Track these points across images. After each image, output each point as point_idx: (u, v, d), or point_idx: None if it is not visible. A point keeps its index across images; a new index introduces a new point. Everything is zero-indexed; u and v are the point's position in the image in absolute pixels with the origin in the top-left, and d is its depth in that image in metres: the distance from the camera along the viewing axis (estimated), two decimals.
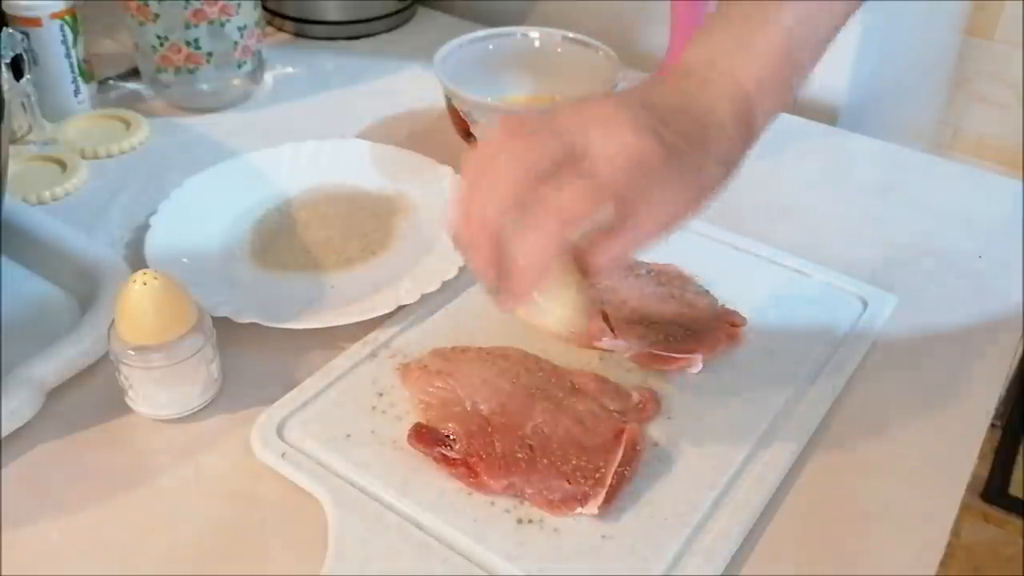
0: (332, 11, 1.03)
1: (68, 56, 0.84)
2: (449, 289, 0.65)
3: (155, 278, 0.53)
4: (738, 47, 0.50)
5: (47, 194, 0.76)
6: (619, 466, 0.51)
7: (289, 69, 0.98)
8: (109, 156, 0.82)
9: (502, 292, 0.46)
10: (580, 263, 0.47)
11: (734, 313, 0.62)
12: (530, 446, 0.52)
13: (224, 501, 0.52)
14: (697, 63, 0.51)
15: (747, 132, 0.50)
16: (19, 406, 0.55)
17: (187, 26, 0.83)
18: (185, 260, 0.67)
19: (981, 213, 0.77)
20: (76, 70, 0.85)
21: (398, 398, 0.57)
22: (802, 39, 0.51)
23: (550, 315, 0.48)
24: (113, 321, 0.54)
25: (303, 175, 0.77)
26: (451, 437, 0.52)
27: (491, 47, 0.84)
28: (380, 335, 0.61)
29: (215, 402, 0.58)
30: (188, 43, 0.84)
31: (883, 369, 0.62)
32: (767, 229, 0.73)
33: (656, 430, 0.55)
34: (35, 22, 0.81)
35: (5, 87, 0.64)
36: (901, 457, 0.56)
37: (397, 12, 1.06)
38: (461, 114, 0.78)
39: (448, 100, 0.80)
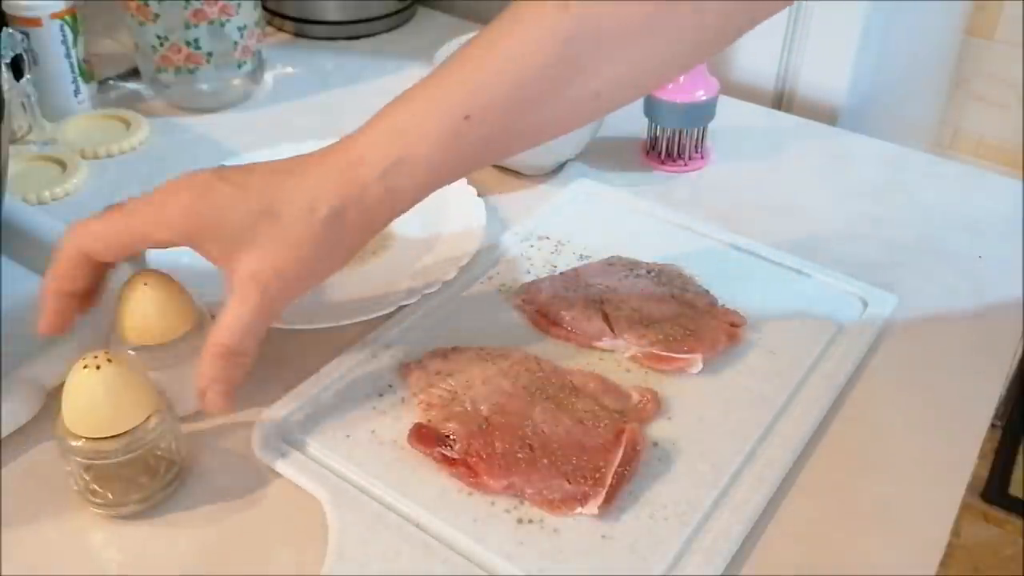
0: (332, 11, 1.03)
1: (68, 56, 0.84)
2: (449, 289, 0.65)
3: (156, 277, 0.52)
4: (391, 138, 0.49)
5: (47, 194, 0.76)
6: (619, 466, 0.51)
7: (289, 69, 0.98)
8: (109, 156, 0.82)
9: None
10: None
11: (734, 313, 0.62)
12: (530, 446, 0.52)
13: (224, 501, 0.52)
14: (340, 147, 0.50)
15: (339, 230, 0.49)
16: (19, 406, 0.55)
17: (187, 26, 0.83)
18: (185, 260, 0.67)
19: (981, 213, 0.77)
20: (76, 70, 0.85)
21: (398, 398, 0.57)
22: (475, 126, 0.49)
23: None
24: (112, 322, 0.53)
25: None
26: (451, 437, 0.52)
27: None
28: (380, 335, 0.61)
29: None
30: (188, 43, 0.84)
31: (883, 369, 0.62)
32: (767, 229, 0.73)
33: (656, 430, 0.55)
34: (35, 22, 0.81)
35: (5, 87, 0.64)
36: (901, 457, 0.56)
37: (397, 12, 1.06)
38: None
39: None
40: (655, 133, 0.82)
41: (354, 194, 0.49)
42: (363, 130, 0.50)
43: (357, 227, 0.50)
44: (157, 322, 0.53)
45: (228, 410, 0.51)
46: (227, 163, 0.77)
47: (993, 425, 1.41)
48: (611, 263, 0.67)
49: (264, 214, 0.48)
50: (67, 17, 0.83)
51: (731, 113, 0.86)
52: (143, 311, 0.53)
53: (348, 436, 0.54)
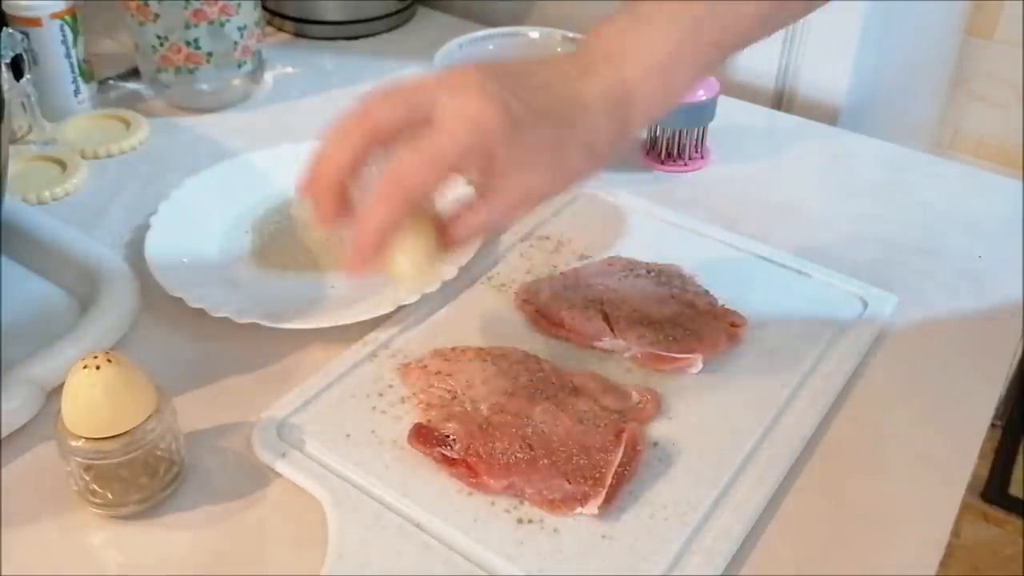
0: (332, 11, 1.03)
1: (68, 56, 0.84)
2: (449, 289, 0.65)
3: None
4: (632, 44, 0.50)
5: (47, 194, 0.76)
6: (619, 466, 0.51)
7: (289, 69, 0.98)
8: (109, 156, 0.82)
9: (350, 251, 0.47)
10: (442, 232, 0.49)
11: (734, 313, 0.62)
12: (530, 446, 0.52)
13: (224, 501, 0.52)
14: (588, 50, 0.51)
15: (619, 126, 0.50)
16: (19, 406, 0.55)
17: (187, 26, 0.83)
18: (185, 260, 0.67)
19: (981, 213, 0.77)
20: (76, 70, 0.85)
21: (398, 398, 0.57)
22: (701, 44, 0.50)
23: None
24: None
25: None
26: (451, 437, 0.52)
27: (491, 47, 0.84)
28: (380, 335, 0.61)
29: (215, 402, 0.58)
30: (188, 43, 0.84)
31: (883, 369, 0.62)
32: (767, 229, 0.73)
33: (656, 430, 0.55)
34: (35, 22, 0.81)
35: (5, 87, 0.64)
36: (901, 457, 0.56)
37: (397, 12, 1.06)
38: None
39: None
40: (655, 133, 0.82)
41: (624, 135, 0.51)
42: (630, 63, 0.50)
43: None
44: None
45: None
46: (227, 163, 0.77)
47: (993, 425, 1.41)
48: (611, 263, 0.67)
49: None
50: (67, 17, 0.83)
51: (731, 113, 0.86)
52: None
53: (348, 436, 0.54)
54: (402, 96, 0.46)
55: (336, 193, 0.47)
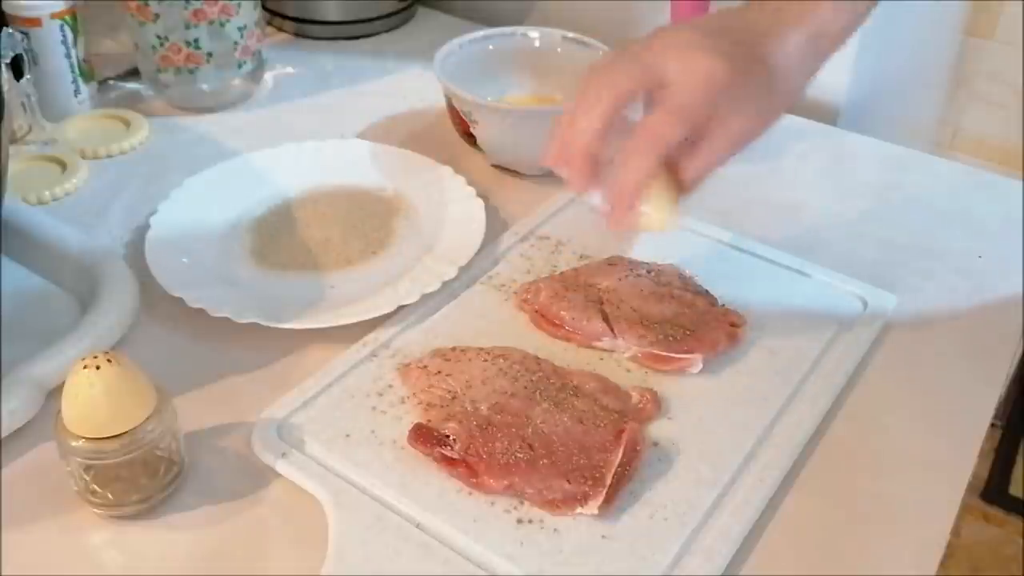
0: (332, 11, 1.03)
1: (68, 56, 0.84)
2: (449, 289, 0.65)
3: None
4: None
5: (47, 194, 0.76)
6: (619, 466, 0.51)
7: (289, 69, 0.98)
8: (109, 156, 0.82)
9: (607, 208, 0.54)
10: (671, 173, 0.54)
11: (734, 313, 0.62)
12: (530, 446, 0.52)
13: (224, 501, 0.52)
14: None
15: (813, 62, 0.55)
16: (19, 406, 0.55)
17: (187, 26, 0.83)
18: (185, 260, 0.67)
19: (981, 213, 0.77)
20: (76, 70, 0.85)
21: (398, 398, 0.57)
22: None
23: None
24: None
25: (303, 175, 0.77)
26: (451, 437, 0.52)
27: (491, 47, 0.84)
28: (380, 335, 0.61)
29: (215, 402, 0.58)
30: (188, 43, 0.84)
31: (883, 369, 0.62)
32: (767, 229, 0.73)
33: (656, 430, 0.55)
34: (35, 22, 0.81)
35: (5, 87, 0.64)
36: (901, 457, 0.56)
37: (397, 12, 1.06)
38: (461, 114, 0.78)
39: (448, 100, 0.80)
40: None
41: (816, 71, 0.56)
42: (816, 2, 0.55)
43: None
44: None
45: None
46: (227, 163, 0.77)
47: (993, 425, 1.41)
48: (611, 263, 0.67)
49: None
50: (67, 17, 0.83)
51: None
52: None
53: (348, 436, 0.54)
54: (635, 62, 0.52)
55: (591, 159, 0.52)
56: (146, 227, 0.69)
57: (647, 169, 0.51)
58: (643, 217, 0.54)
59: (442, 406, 0.55)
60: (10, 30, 0.77)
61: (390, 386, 0.58)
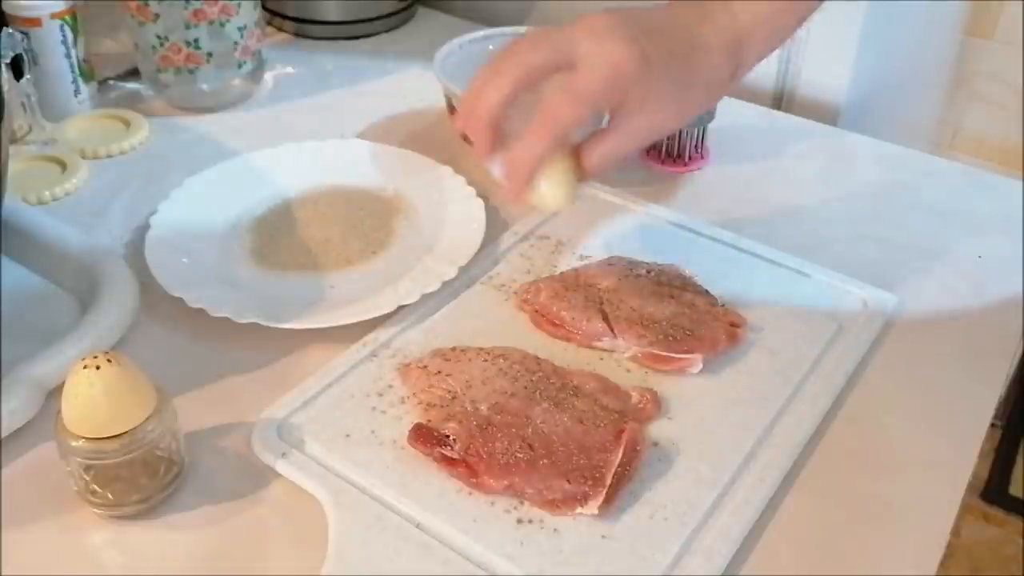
0: (332, 11, 1.03)
1: (68, 56, 0.84)
2: (449, 289, 0.65)
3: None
4: None
5: (47, 194, 0.76)
6: (619, 466, 0.51)
7: (289, 69, 0.98)
8: (109, 156, 0.82)
9: (504, 180, 0.54)
10: (578, 157, 0.55)
11: (734, 313, 0.62)
12: (530, 446, 0.52)
13: (224, 501, 0.52)
14: None
15: (734, 67, 0.56)
16: (19, 406, 0.55)
17: (187, 26, 0.83)
18: (185, 260, 0.67)
19: (981, 213, 0.77)
20: (76, 70, 0.85)
21: (398, 398, 0.57)
22: None
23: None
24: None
25: (303, 175, 0.77)
26: (451, 437, 0.52)
27: (491, 47, 0.84)
28: (380, 335, 0.61)
29: (215, 402, 0.58)
30: (188, 43, 0.84)
31: (883, 369, 0.62)
32: (767, 229, 0.73)
33: (656, 430, 0.55)
34: (35, 22, 0.81)
35: (5, 87, 0.64)
36: (901, 457, 0.56)
37: (397, 12, 1.06)
38: None
39: (448, 100, 0.80)
40: None
41: (737, 75, 0.57)
42: (743, 11, 0.56)
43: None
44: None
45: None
46: (227, 163, 0.77)
47: (993, 425, 1.41)
48: (611, 263, 0.67)
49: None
50: (67, 17, 0.83)
51: (731, 113, 0.86)
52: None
53: (348, 436, 0.54)
54: (549, 41, 0.52)
55: (493, 129, 0.53)
56: (146, 227, 0.69)
57: (542, 148, 0.52)
58: (537, 194, 0.55)
59: (442, 406, 0.55)
60: (10, 30, 0.77)
61: (390, 386, 0.58)
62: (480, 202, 0.73)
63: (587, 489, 0.50)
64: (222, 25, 0.84)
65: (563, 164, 0.54)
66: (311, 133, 0.83)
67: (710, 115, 0.80)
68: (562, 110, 0.51)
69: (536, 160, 0.53)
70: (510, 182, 0.54)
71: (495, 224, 0.73)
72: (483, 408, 0.54)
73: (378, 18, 1.05)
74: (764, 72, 0.96)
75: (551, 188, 0.54)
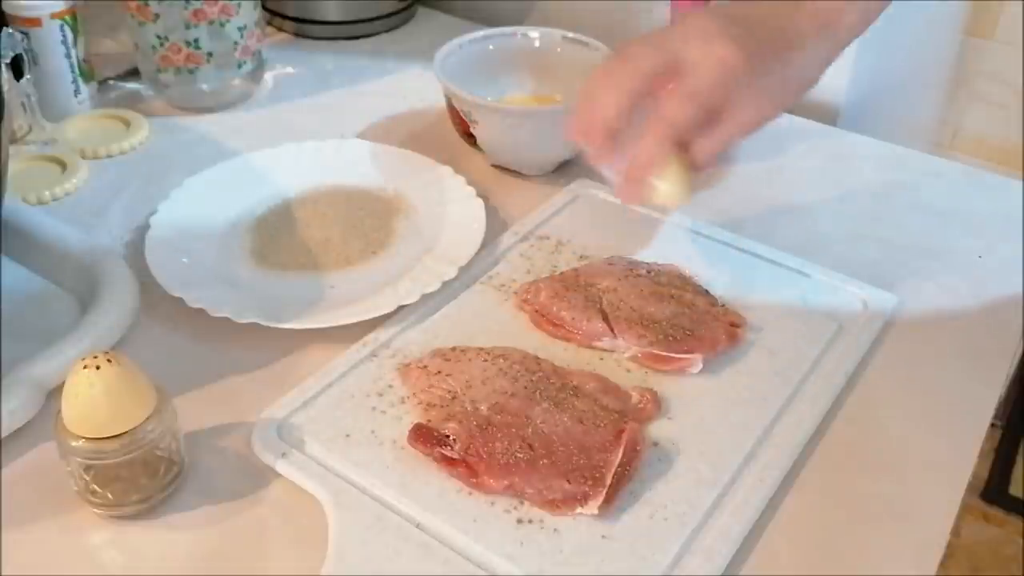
0: (332, 11, 1.03)
1: (68, 56, 0.84)
2: (449, 289, 0.65)
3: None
4: None
5: (47, 194, 0.76)
6: (619, 466, 0.51)
7: (289, 69, 0.98)
8: (109, 156, 0.82)
9: (621, 183, 0.57)
10: (685, 151, 0.57)
11: (734, 313, 0.63)
12: (530, 446, 0.52)
13: (224, 501, 0.52)
14: None
15: (829, 51, 0.58)
16: (19, 406, 0.55)
17: (187, 26, 0.83)
18: (185, 260, 0.67)
19: (981, 213, 0.77)
20: (76, 70, 0.85)
21: (398, 398, 0.57)
22: None
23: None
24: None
25: (303, 175, 0.77)
26: (451, 437, 0.52)
27: (491, 47, 0.84)
28: (380, 335, 0.61)
29: (215, 402, 0.58)
30: (188, 43, 0.84)
31: (883, 369, 0.62)
32: (767, 229, 0.73)
33: (656, 430, 0.55)
34: (35, 22, 0.81)
35: (5, 87, 0.64)
36: (901, 457, 0.56)
37: (397, 12, 1.06)
38: (461, 114, 0.78)
39: (448, 100, 0.80)
40: None
41: (832, 59, 0.59)
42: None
43: None
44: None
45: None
46: (227, 163, 0.77)
47: (993, 425, 1.41)
48: (611, 263, 0.67)
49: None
50: (67, 17, 0.83)
51: None
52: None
53: (348, 436, 0.54)
54: (659, 46, 0.55)
55: (612, 134, 0.55)
56: (146, 227, 0.69)
57: (660, 149, 0.54)
58: (656, 192, 0.57)
59: (442, 406, 0.55)
60: (10, 30, 0.77)
61: (390, 386, 0.58)
62: (480, 202, 0.73)
63: (587, 489, 0.50)
64: (222, 25, 0.84)
65: (678, 162, 0.56)
66: (311, 133, 0.83)
67: None
68: (677, 111, 0.54)
69: (654, 161, 0.55)
70: (630, 185, 0.56)
71: (495, 224, 0.73)
72: (483, 408, 0.54)
73: (378, 18, 1.05)
74: None
75: (671, 186, 0.56)
